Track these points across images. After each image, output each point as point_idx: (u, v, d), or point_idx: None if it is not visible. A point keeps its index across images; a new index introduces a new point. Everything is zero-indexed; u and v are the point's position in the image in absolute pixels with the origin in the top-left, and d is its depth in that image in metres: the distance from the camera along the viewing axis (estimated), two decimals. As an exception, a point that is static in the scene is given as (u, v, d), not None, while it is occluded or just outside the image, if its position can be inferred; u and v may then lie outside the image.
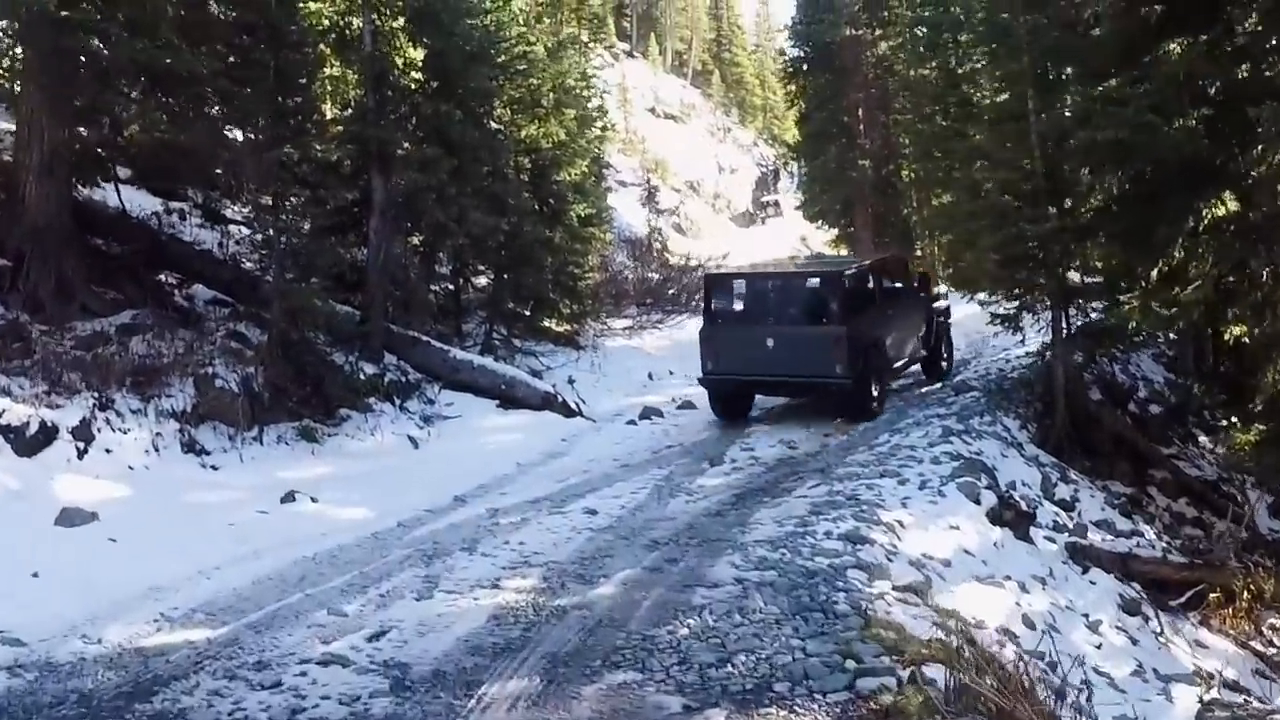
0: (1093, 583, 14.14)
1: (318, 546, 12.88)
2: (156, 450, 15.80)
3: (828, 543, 11.62)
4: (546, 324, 26.46)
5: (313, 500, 15.16)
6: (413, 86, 21.32)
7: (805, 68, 52.50)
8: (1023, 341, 22.57)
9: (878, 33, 50.46)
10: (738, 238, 66.78)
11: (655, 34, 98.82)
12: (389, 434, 18.69)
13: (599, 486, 15.82)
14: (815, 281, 19.48)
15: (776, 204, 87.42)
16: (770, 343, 18.79)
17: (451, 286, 24.98)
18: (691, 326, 30.23)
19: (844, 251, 55.39)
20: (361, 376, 19.77)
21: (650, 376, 25.83)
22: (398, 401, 19.94)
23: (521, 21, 26.79)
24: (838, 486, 14.37)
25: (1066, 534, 15.23)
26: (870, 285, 20.59)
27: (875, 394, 19.69)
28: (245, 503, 14.79)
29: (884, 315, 20.55)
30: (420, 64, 20.92)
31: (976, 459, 16.15)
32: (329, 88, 22.18)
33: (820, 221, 56.17)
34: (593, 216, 29.14)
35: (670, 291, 33.96)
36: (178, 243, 21.17)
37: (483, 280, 25.96)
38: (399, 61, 20.78)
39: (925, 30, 42.89)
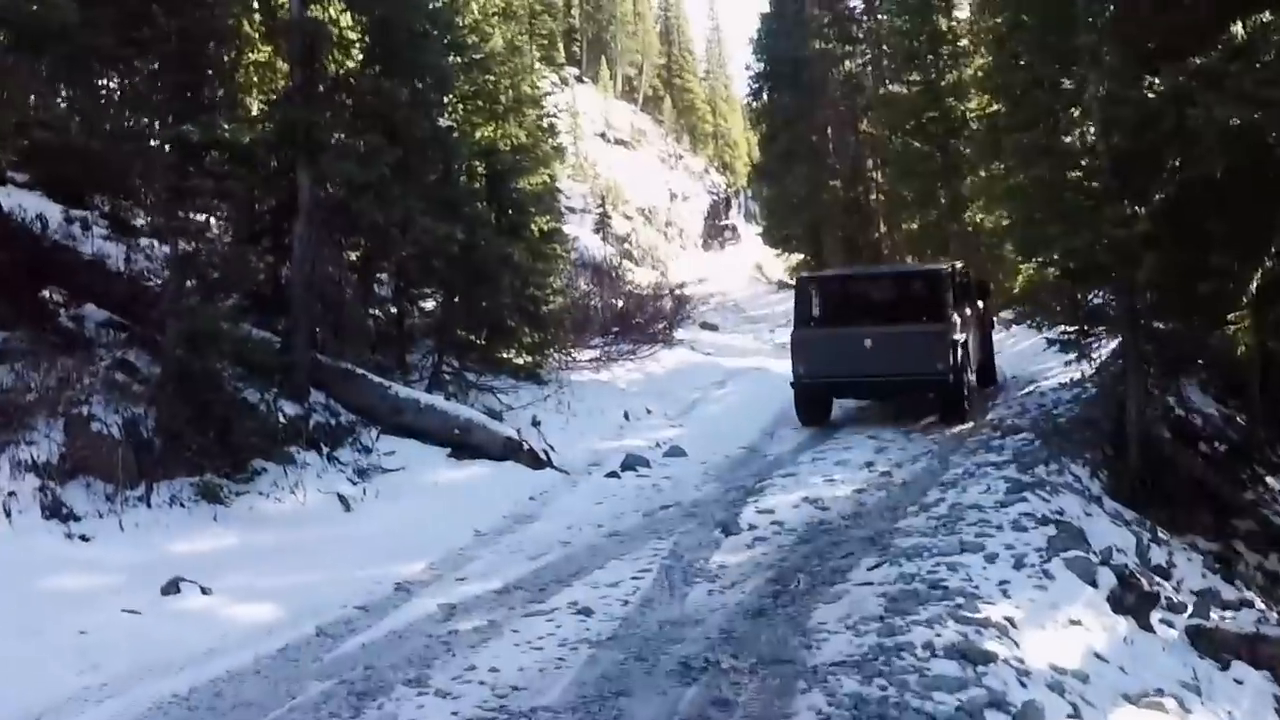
0: (1238, 681, 10.41)
1: (197, 675, 8.75)
2: (8, 514, 11.72)
3: (936, 663, 8.01)
4: (505, 355, 22.46)
5: (204, 591, 11.01)
6: (350, 64, 16.85)
7: (770, 85, 49.50)
8: (1075, 362, 19.85)
9: (845, 49, 47.30)
10: (693, 264, 64.04)
11: (606, 59, 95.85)
12: (314, 492, 14.63)
13: (586, 567, 11.86)
14: (917, 280, 20.07)
15: (734, 229, 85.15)
16: (869, 343, 18.39)
17: (394, 309, 20.69)
18: (666, 358, 26.67)
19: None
20: (281, 419, 15.60)
21: (626, 416, 21.90)
22: (326, 450, 15.80)
23: (478, 11, 22.88)
24: (908, 567, 10.73)
25: (1184, 614, 11.51)
26: (959, 286, 20.24)
27: (966, 394, 19.30)
28: (115, 593, 10.71)
29: (964, 318, 19.99)
30: (359, 34, 16.47)
31: (1063, 521, 12.52)
32: (253, 76, 18.26)
33: (782, 248, 52.94)
34: (554, 233, 25.20)
35: (637, 320, 29.95)
36: (63, 251, 16.85)
37: (430, 303, 21.79)
38: (333, 32, 16.29)
39: (906, 41, 39.67)
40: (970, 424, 19.02)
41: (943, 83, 39.16)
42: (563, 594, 10.77)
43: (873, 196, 47.77)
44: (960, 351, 18.95)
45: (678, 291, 33.40)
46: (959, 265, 21.87)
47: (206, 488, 13.80)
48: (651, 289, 33.35)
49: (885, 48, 44.54)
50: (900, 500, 14.20)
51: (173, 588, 10.94)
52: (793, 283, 48.81)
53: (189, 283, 14.79)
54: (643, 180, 79.47)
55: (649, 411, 22.62)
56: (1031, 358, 25.88)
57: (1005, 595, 9.77)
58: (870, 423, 20.10)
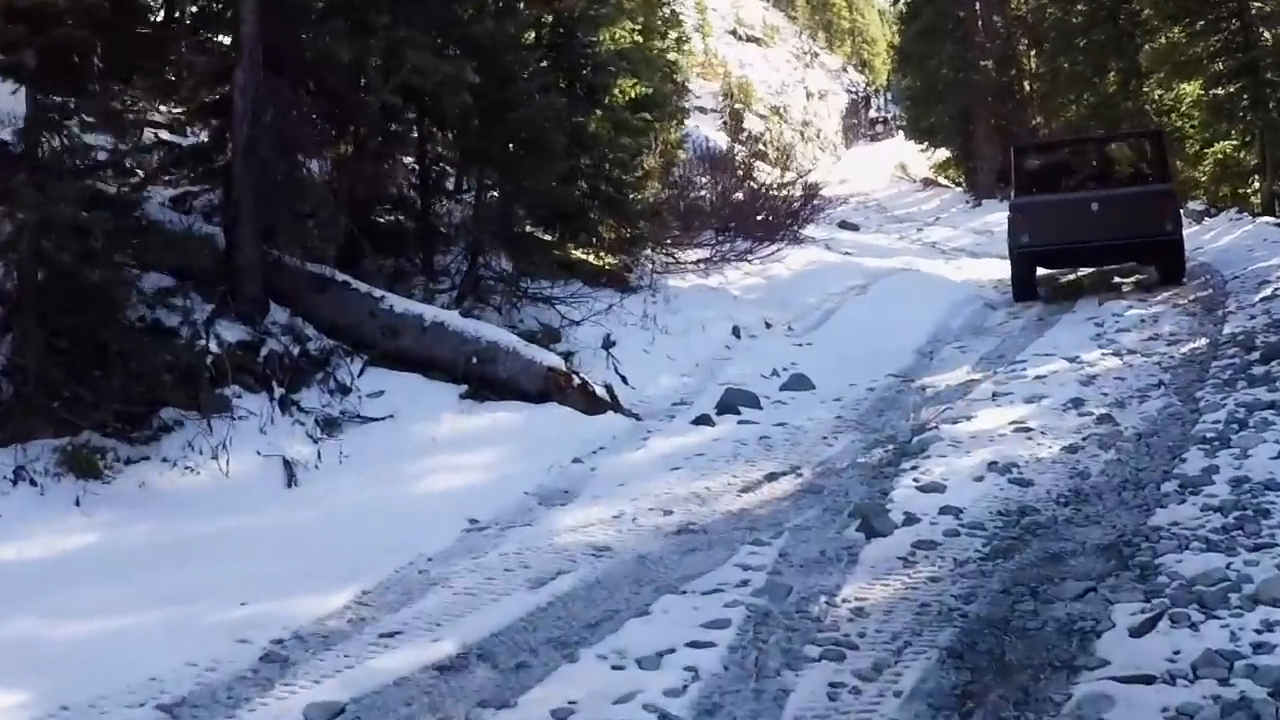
0: None
1: None
2: None
3: None
4: (578, 254, 17.13)
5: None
6: None
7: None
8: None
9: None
10: (832, 164, 58.70)
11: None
12: (249, 455, 9.63)
13: (618, 609, 6.62)
14: (1138, 143, 20.15)
15: (876, 125, 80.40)
16: (1095, 207, 17.55)
17: (415, 195, 14.91)
18: (794, 259, 21.14)
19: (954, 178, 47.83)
20: (213, 348, 10.42)
21: (736, 333, 16.28)
22: (281, 392, 10.61)
23: None
24: (1209, 630, 5.52)
25: None
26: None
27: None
28: None
29: None
30: None
31: None
32: None
33: (926, 141, 47.21)
34: (653, 99, 19.71)
35: (761, 216, 24.20)
36: None
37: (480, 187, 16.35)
38: None
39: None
40: (1205, 341, 13.42)
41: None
42: (553, 683, 5.59)
43: (1026, 81, 42.04)
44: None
45: (809, 182, 27.51)
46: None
47: (76, 455, 8.83)
48: (777, 180, 27.52)
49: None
50: (1143, 469, 8.79)
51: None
52: (942, 181, 44.67)
53: (60, 141, 9.60)
54: (776, 78, 74.48)
55: (768, 325, 17.17)
56: (1245, 254, 20.08)
57: None
58: (1066, 338, 14.54)
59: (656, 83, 21.17)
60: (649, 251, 18.88)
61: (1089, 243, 17.82)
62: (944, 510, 8.02)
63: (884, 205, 43.99)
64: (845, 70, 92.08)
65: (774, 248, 21.64)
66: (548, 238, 17.12)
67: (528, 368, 11.61)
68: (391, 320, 11.68)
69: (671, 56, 48.06)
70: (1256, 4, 26.80)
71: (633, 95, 18.22)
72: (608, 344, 14.20)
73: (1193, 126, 30.20)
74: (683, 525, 8.30)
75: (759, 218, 23.24)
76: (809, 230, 25.94)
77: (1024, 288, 18.43)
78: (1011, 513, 7.98)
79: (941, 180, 50.03)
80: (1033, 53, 41.99)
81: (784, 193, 25.56)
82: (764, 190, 25.41)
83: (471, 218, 14.81)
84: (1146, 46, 30.70)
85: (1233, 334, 13.40)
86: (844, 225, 33.13)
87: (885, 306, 18.07)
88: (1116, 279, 19.45)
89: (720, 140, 41.30)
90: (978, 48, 41.21)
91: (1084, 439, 9.71)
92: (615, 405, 11.95)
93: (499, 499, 9.13)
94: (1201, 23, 27.05)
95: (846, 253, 24.84)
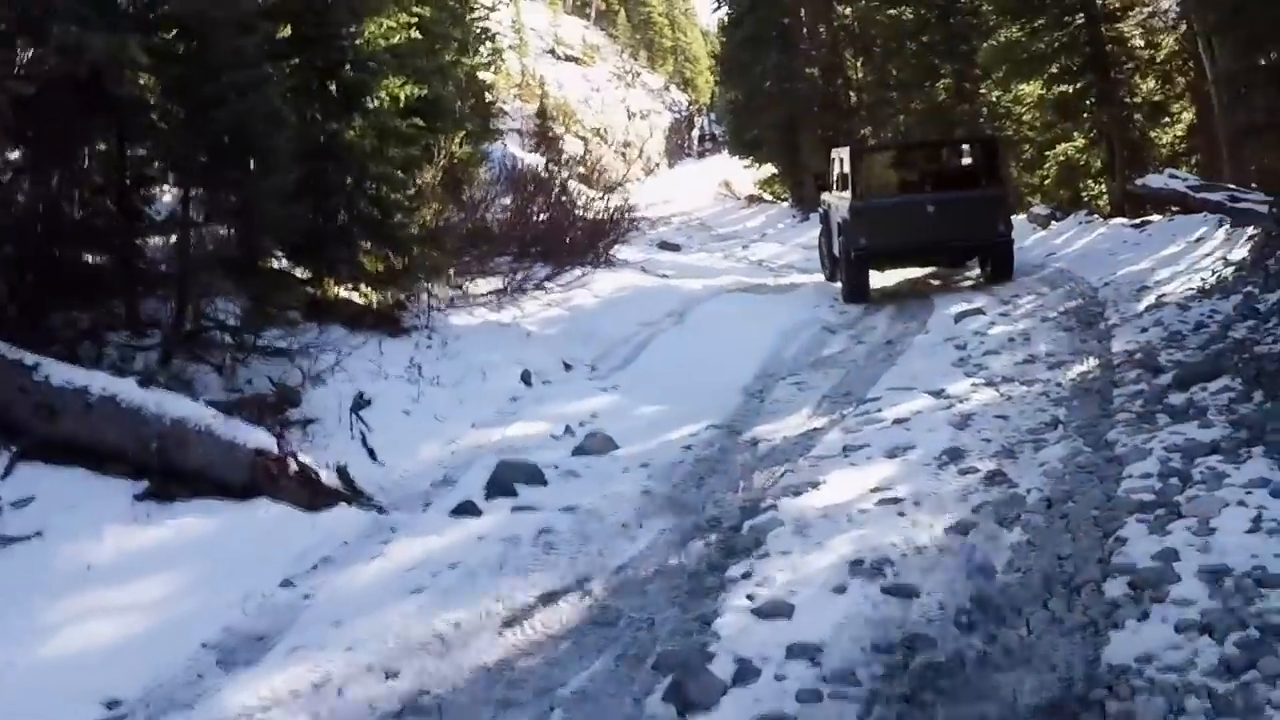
0: None
1: None
2: None
3: None
4: (340, 291, 14.24)
5: None
6: None
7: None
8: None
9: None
10: (655, 184, 56.85)
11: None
12: None
13: None
14: (975, 146, 20.25)
15: (714, 137, 79.48)
16: (931, 209, 17.77)
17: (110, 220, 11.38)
18: (602, 285, 18.57)
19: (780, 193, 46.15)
20: None
21: (526, 380, 13.29)
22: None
23: None
24: None
25: None
26: None
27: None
28: None
29: None
30: None
31: None
32: None
33: (749, 156, 45.23)
34: (437, 104, 16.93)
35: (568, 238, 21.31)
36: None
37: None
38: None
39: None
40: (1094, 362, 11.05)
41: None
42: None
43: (853, 91, 40.13)
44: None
45: (620, 201, 24.72)
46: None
47: None
48: (588, 199, 24.68)
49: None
50: (1067, 556, 6.39)
51: None
52: (767, 197, 42.93)
53: None
54: (597, 98, 72.78)
55: (567, 367, 14.30)
56: (1106, 258, 18.05)
57: None
58: (924, 366, 11.96)
59: (441, 87, 18.36)
60: (428, 284, 15.94)
61: (925, 244, 18.20)
62: (794, 652, 5.39)
63: (708, 224, 42.14)
64: (668, 89, 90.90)
65: (579, 273, 18.81)
66: (299, 273, 14.14)
67: (228, 452, 8.50)
68: (49, 396, 8.50)
69: (485, 76, 45.55)
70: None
71: (404, 99, 15.26)
72: (358, 405, 11.23)
73: (1032, 129, 28.44)
74: (410, 697, 5.51)
75: (565, 240, 20.43)
76: (623, 253, 23.25)
77: (858, 290, 18.28)
78: (895, 648, 5.44)
79: (766, 196, 48.24)
80: (859, 61, 40.05)
81: (593, 213, 22.82)
82: (570, 208, 22.59)
83: (178, 250, 11.44)
84: (985, 45, 28.70)
85: (1127, 352, 11.00)
86: (665, 246, 30.89)
87: (706, 336, 15.25)
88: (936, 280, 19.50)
89: (532, 160, 38.64)
90: (802, 56, 39.18)
91: (975, 510, 7.18)
92: (351, 494, 8.96)
93: (161, 659, 6.16)
94: (1043, 19, 25.08)
95: (664, 275, 22.09)
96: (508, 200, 22.34)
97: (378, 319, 14.43)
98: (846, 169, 18.68)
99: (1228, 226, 17.11)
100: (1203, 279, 13.97)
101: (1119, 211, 23.75)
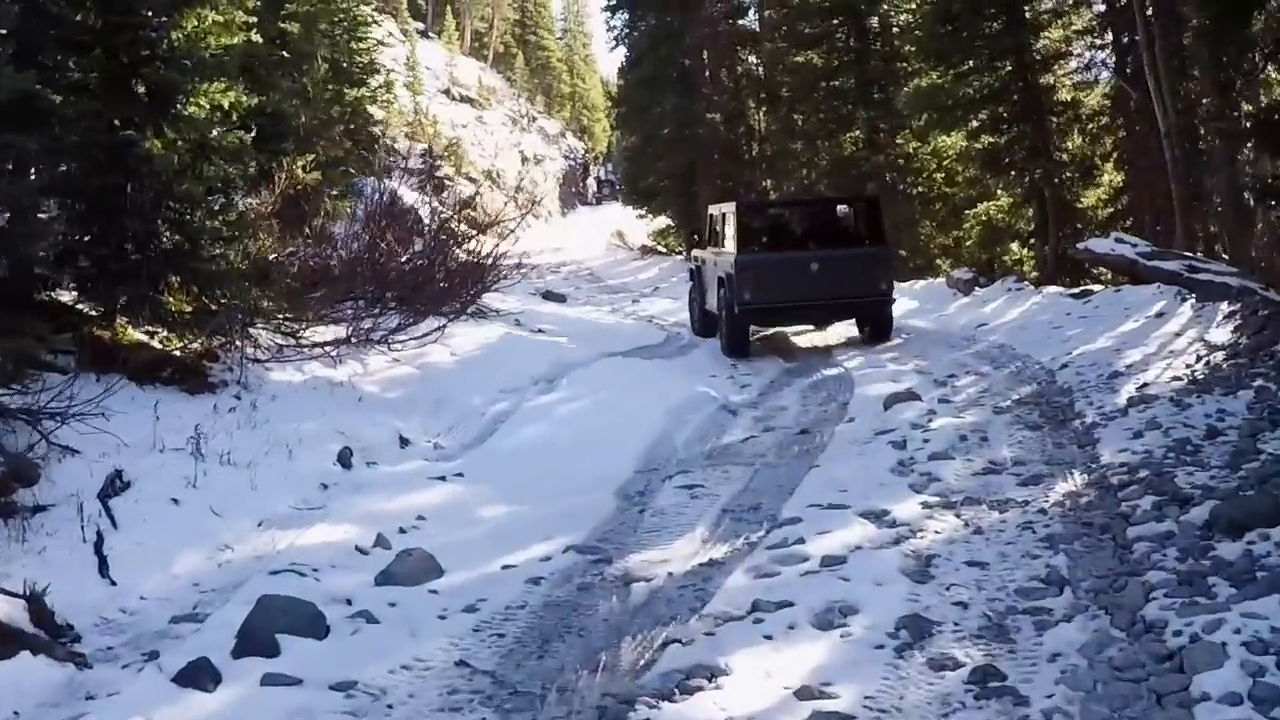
0: None
1: None
2: None
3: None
4: (138, 334, 11.45)
5: None
6: None
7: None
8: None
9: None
10: (547, 232, 54.63)
11: (453, 11, 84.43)
12: None
13: None
14: (855, 205, 19.94)
15: (613, 184, 77.80)
16: (815, 266, 17.55)
17: None
18: (465, 340, 15.73)
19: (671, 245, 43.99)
20: None
21: (344, 461, 10.31)
22: None
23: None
24: None
25: None
26: None
27: None
28: None
29: None
30: None
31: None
32: None
33: (645, 206, 42.84)
34: (271, 121, 14.07)
35: (437, 283, 18.27)
36: None
37: None
38: None
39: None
40: (1082, 478, 8.40)
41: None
42: None
43: (755, 142, 37.84)
44: None
45: (499, 243, 21.57)
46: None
47: None
48: (468, 242, 21.56)
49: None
50: None
51: None
52: (660, 249, 40.77)
53: None
54: (490, 141, 70.36)
55: (404, 442, 11.34)
56: (1051, 333, 15.64)
57: None
58: (855, 470, 9.11)
59: (289, 104, 15.48)
60: (250, 330, 13.00)
61: (808, 301, 17.80)
62: None
63: (598, 275, 40.03)
64: (564, 136, 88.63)
65: (438, 324, 15.77)
66: (86, 309, 11.20)
67: None
68: None
69: (375, 111, 42.81)
70: (1039, 42, 22.98)
71: (228, 107, 12.30)
72: (110, 490, 8.32)
73: (950, 185, 26.27)
74: None
75: (431, 284, 17.50)
76: (498, 302, 20.33)
77: (739, 346, 17.93)
78: None
79: (660, 248, 45.68)
80: (763, 110, 37.73)
81: (467, 255, 19.89)
82: (445, 250, 19.60)
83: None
84: (906, 88, 26.39)
85: (1125, 466, 8.30)
86: (549, 296, 28.52)
87: (580, 410, 12.19)
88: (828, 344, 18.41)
89: (414, 199, 35.69)
90: (704, 100, 36.70)
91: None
92: (48, 638, 6.06)
93: None
94: (971, 62, 22.79)
95: (539, 330, 19.16)
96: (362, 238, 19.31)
97: (179, 371, 11.60)
98: (729, 224, 18.38)
99: (1193, 301, 14.63)
100: (1188, 366, 11.38)
101: (1051, 279, 21.47)
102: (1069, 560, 6.61)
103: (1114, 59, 23.78)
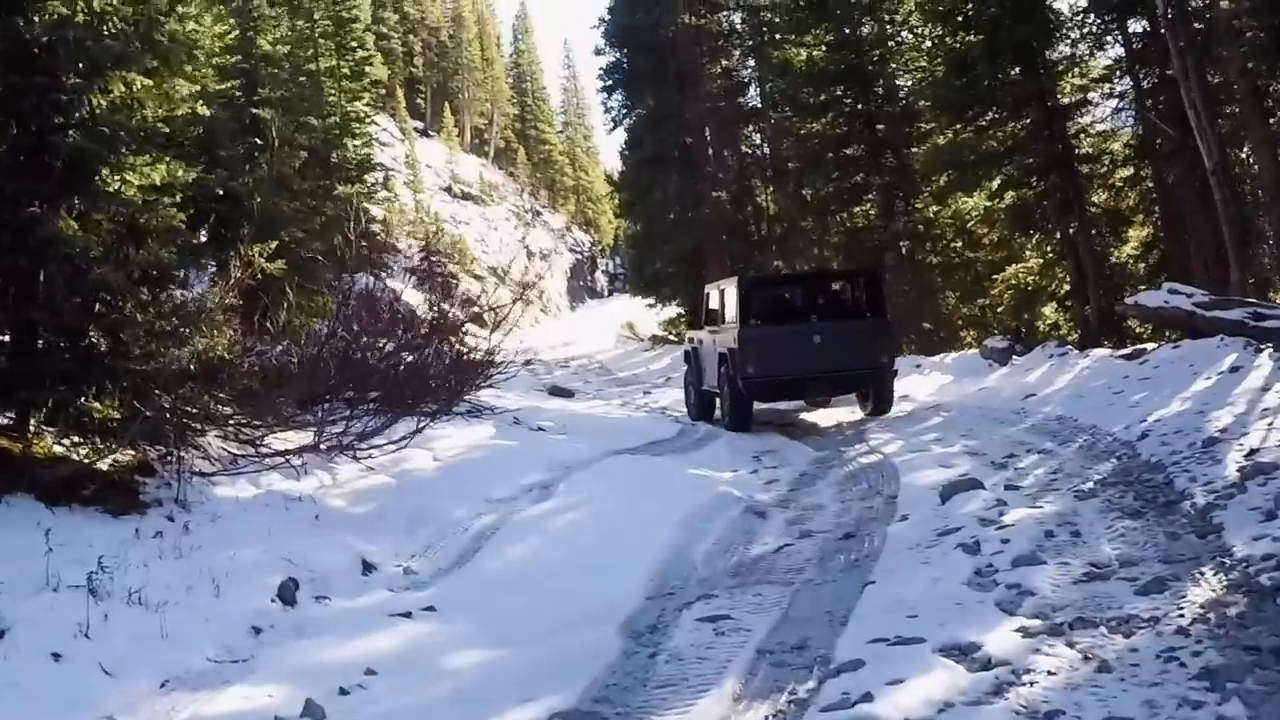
0: None
1: None
2: None
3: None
4: (59, 445, 9.85)
5: None
6: None
7: (627, 77, 37.59)
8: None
9: (721, 21, 36.22)
10: (555, 327, 53.50)
11: (451, 108, 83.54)
12: None
13: None
14: (855, 279, 20.20)
15: (621, 277, 77.69)
16: (818, 339, 17.73)
17: None
18: (450, 442, 13.85)
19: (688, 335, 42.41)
20: None
21: (287, 596, 8.23)
22: None
23: None
24: None
25: None
26: None
27: None
28: None
29: None
30: None
31: None
32: None
33: (652, 295, 41.31)
34: (227, 203, 12.44)
35: (425, 380, 16.46)
36: None
37: None
38: None
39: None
40: (1220, 580, 6.48)
41: (860, 31, 28.12)
42: None
43: (764, 221, 36.38)
44: None
45: (500, 337, 19.78)
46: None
47: None
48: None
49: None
50: None
51: None
52: (672, 338, 39.80)
53: None
54: (495, 237, 69.64)
55: (368, 568, 9.36)
56: (1113, 399, 13.88)
57: None
58: (921, 586, 7.16)
59: (245, 184, 13.74)
60: (204, 437, 11.22)
61: (811, 373, 17.89)
62: None
63: (608, 367, 38.49)
64: (570, 229, 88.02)
65: (422, 424, 13.85)
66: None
67: None
68: None
69: (374, 209, 41.51)
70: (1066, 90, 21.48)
71: (159, 180, 10.56)
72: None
73: (974, 250, 24.57)
74: None
75: (411, 382, 15.69)
76: (502, 400, 18.50)
77: (743, 420, 18.14)
78: None
79: (672, 337, 44.17)
80: (770, 188, 36.24)
81: (467, 352, 18.18)
82: (442, 348, 17.84)
83: None
84: (921, 150, 24.87)
85: (1273, 558, 6.37)
86: (555, 392, 26.92)
87: (580, 519, 10.25)
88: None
89: (415, 299, 34.06)
90: (709, 179, 35.11)
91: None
92: None
93: None
94: (993, 113, 21.19)
95: (539, 428, 17.25)
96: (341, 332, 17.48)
97: (104, 489, 9.67)
98: (728, 300, 18.58)
99: (1270, 351, 12.83)
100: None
101: (1094, 340, 19.73)
102: (1248, 710, 4.70)
103: (1135, 104, 22.19)
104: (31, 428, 10.02)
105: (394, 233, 55.20)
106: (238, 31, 25.26)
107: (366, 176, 41.05)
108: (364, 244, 34.06)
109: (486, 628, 7.55)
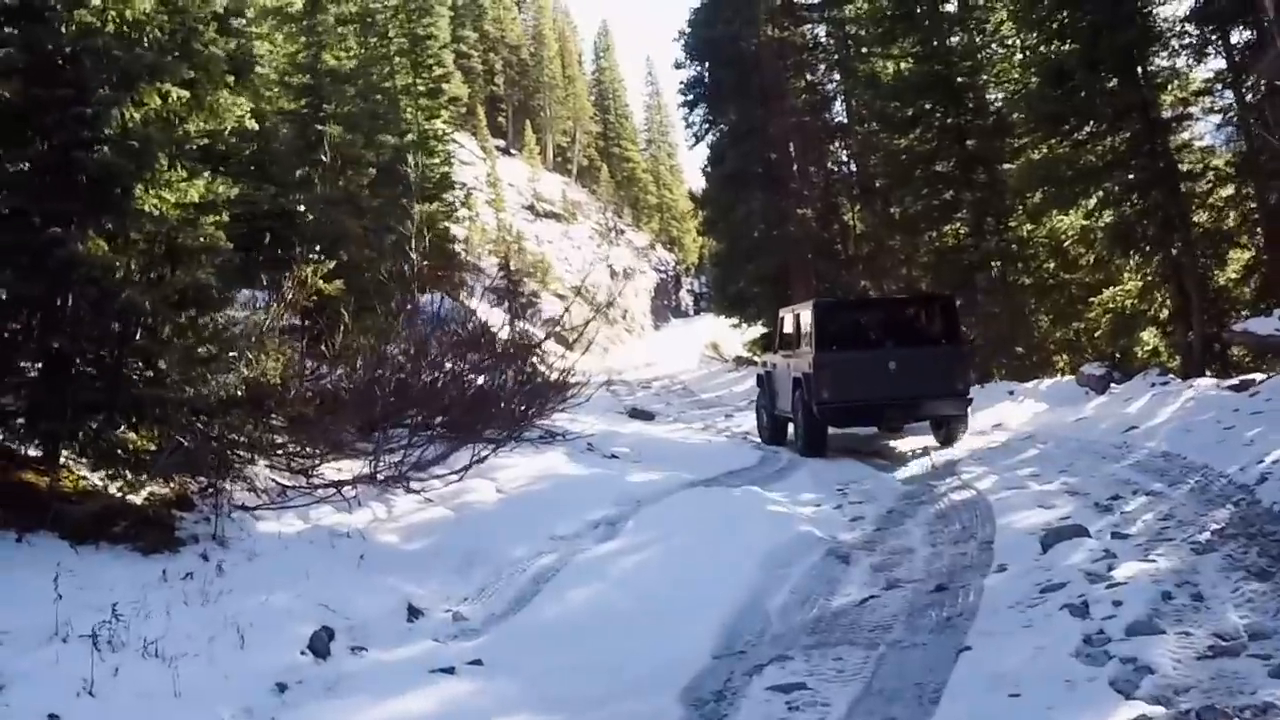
0: None
1: None
2: None
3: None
4: (94, 477, 9.35)
5: None
6: None
7: (706, 88, 36.99)
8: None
9: (805, 34, 35.51)
10: (640, 347, 53.08)
11: (533, 125, 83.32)
12: None
13: None
14: (931, 304, 19.90)
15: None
16: (893, 365, 17.69)
17: None
18: (515, 472, 13.09)
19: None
20: None
21: (319, 649, 7.58)
22: None
23: None
24: None
25: None
26: None
27: None
28: None
29: None
30: None
31: None
32: None
33: (736, 314, 40.51)
34: (282, 221, 11.96)
35: (499, 404, 15.86)
36: None
37: None
38: None
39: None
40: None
41: (950, 42, 27.26)
42: None
43: (850, 240, 35.53)
44: None
45: (576, 357, 19.24)
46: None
47: None
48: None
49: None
50: None
51: None
52: (756, 359, 39.19)
53: None
54: (578, 255, 68.93)
55: (414, 614, 8.63)
56: (1224, 435, 12.73)
57: None
58: (1023, 655, 6.34)
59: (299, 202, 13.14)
60: (252, 467, 10.62)
61: (886, 399, 17.77)
62: None
63: (691, 388, 38.04)
64: (654, 248, 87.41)
65: (478, 453, 13.13)
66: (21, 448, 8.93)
67: None
68: None
69: (455, 229, 41.23)
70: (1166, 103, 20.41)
71: (197, 200, 9.93)
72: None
73: (1070, 271, 23.58)
74: None
75: (479, 407, 15.07)
76: (571, 422, 17.82)
77: (818, 445, 18.17)
78: None
79: (755, 358, 43.35)
80: (857, 206, 35.37)
81: (545, 374, 17.69)
82: (519, 372, 17.31)
83: None
84: (1014, 165, 23.93)
85: None
86: (635, 414, 26.39)
87: (648, 560, 9.50)
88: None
89: (495, 319, 33.55)
90: (793, 196, 34.26)
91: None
92: None
93: None
94: (1091, 126, 20.20)
95: (612, 455, 16.47)
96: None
97: (137, 523, 9.04)
98: (803, 325, 18.66)
99: (1402, 382, 11.88)
100: None
101: (1198, 369, 18.68)
102: None
103: (1237, 118, 21.05)
104: (62, 460, 9.45)
105: (475, 251, 54.87)
106: (308, 50, 25.00)
107: (445, 194, 40.63)
108: (438, 263, 33.51)
109: (535, 687, 6.83)
